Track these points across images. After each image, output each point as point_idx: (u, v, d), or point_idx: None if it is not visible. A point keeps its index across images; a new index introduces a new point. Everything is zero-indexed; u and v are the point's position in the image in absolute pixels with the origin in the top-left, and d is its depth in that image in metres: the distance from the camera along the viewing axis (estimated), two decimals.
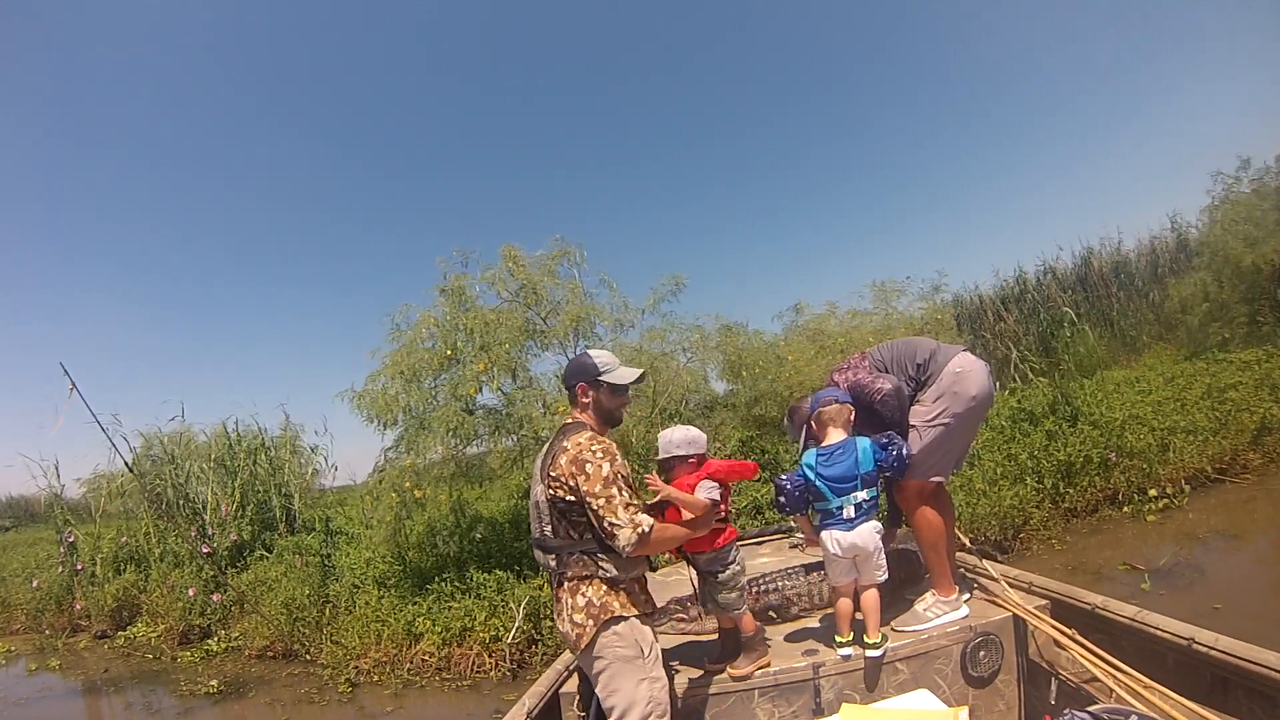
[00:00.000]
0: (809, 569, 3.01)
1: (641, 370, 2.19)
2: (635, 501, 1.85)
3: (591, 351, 2.10)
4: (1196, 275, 9.69)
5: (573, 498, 1.87)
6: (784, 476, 2.59)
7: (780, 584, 2.97)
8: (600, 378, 2.05)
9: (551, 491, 1.90)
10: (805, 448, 2.79)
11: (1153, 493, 5.61)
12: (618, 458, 1.89)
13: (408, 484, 5.61)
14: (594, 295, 6.67)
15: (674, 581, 3.58)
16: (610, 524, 1.79)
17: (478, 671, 4.93)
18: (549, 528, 1.95)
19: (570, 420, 2.07)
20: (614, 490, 1.81)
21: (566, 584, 1.94)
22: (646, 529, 1.80)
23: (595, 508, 1.81)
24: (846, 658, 2.36)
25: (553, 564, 1.97)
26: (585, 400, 2.05)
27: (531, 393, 5.98)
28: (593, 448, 1.86)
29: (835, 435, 2.53)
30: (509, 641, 4.88)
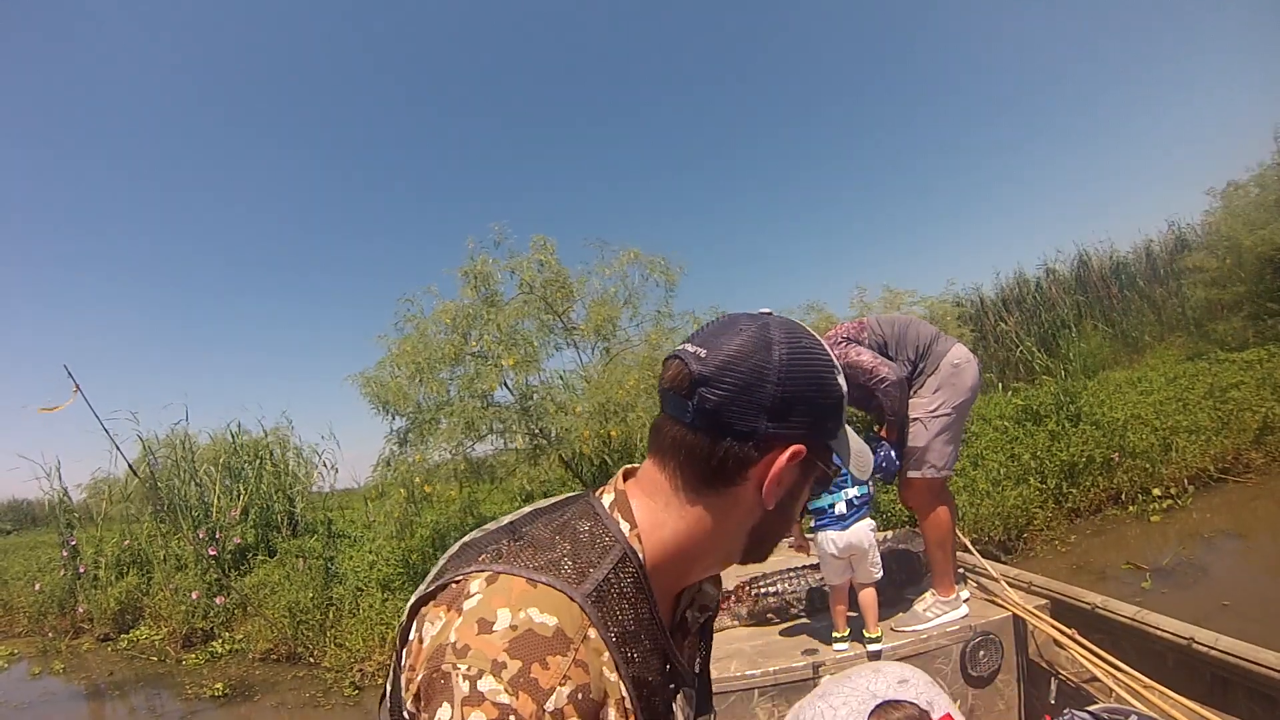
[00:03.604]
0: (808, 570, 3.01)
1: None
2: None
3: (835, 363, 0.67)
4: (1199, 257, 9.68)
5: None
6: None
7: (780, 585, 2.98)
8: (835, 442, 0.68)
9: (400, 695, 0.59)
10: None
11: (1156, 492, 5.60)
12: None
13: (417, 479, 5.60)
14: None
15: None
16: None
17: None
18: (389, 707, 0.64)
19: (608, 500, 0.68)
20: None
21: None
22: None
23: None
24: (843, 652, 2.38)
25: None
26: (759, 486, 0.64)
27: (544, 389, 5.96)
28: (489, 689, 0.51)
29: None
30: None
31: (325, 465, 9.90)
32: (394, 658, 0.63)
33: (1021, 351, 10.46)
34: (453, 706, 0.52)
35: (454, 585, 0.59)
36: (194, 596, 6.82)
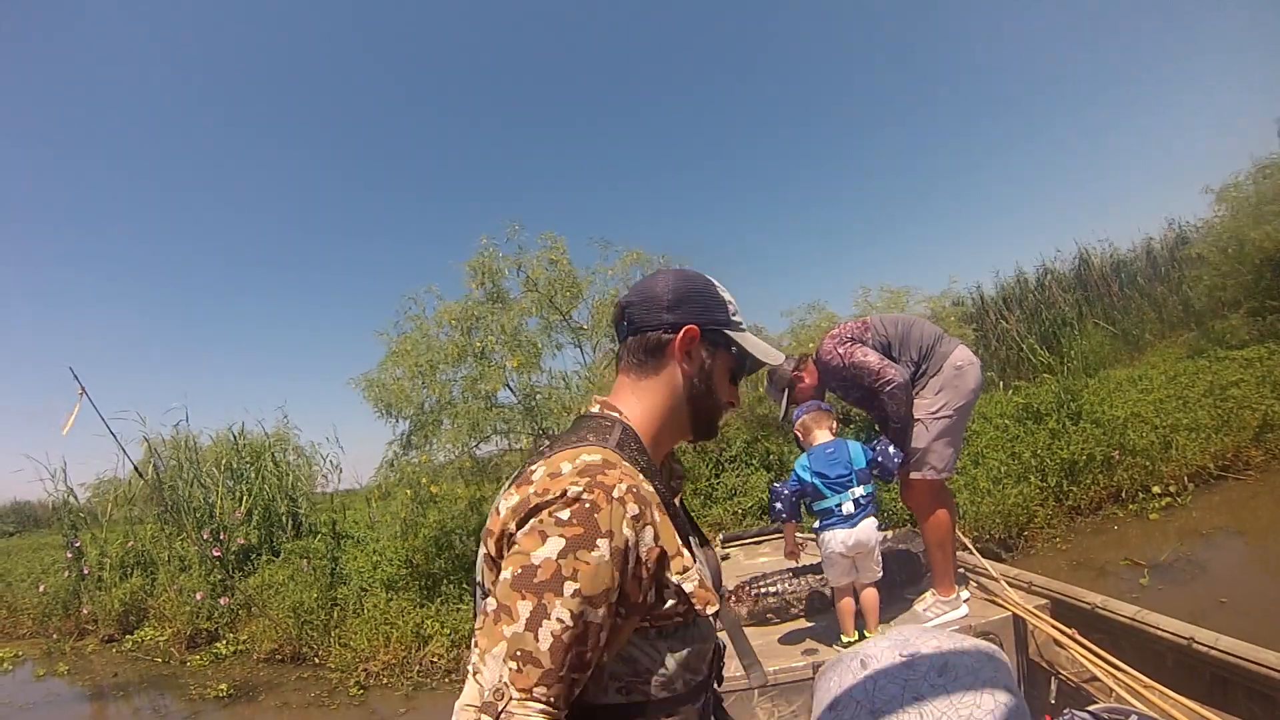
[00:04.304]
0: (808, 570, 3.03)
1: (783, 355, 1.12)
2: (545, 669, 0.68)
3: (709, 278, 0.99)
4: (1202, 247, 9.69)
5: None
6: (778, 484, 2.62)
7: (780, 585, 2.99)
8: (730, 330, 0.96)
9: (484, 566, 0.82)
10: (787, 410, 2.81)
11: (1156, 490, 5.62)
12: (601, 547, 0.71)
13: (424, 479, 5.60)
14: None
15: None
16: (471, 667, 0.71)
17: None
18: None
19: (595, 409, 0.93)
20: (524, 608, 0.69)
21: None
22: None
23: (477, 625, 0.74)
24: None
25: None
26: (678, 362, 0.93)
27: (548, 390, 5.97)
28: (575, 490, 0.73)
29: (823, 436, 2.56)
30: None
31: (331, 466, 9.92)
32: (475, 592, 0.85)
33: (1024, 350, 10.47)
34: (539, 519, 0.72)
35: (514, 484, 0.79)
36: (198, 597, 6.85)
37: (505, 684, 0.67)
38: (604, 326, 6.19)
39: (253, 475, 8.69)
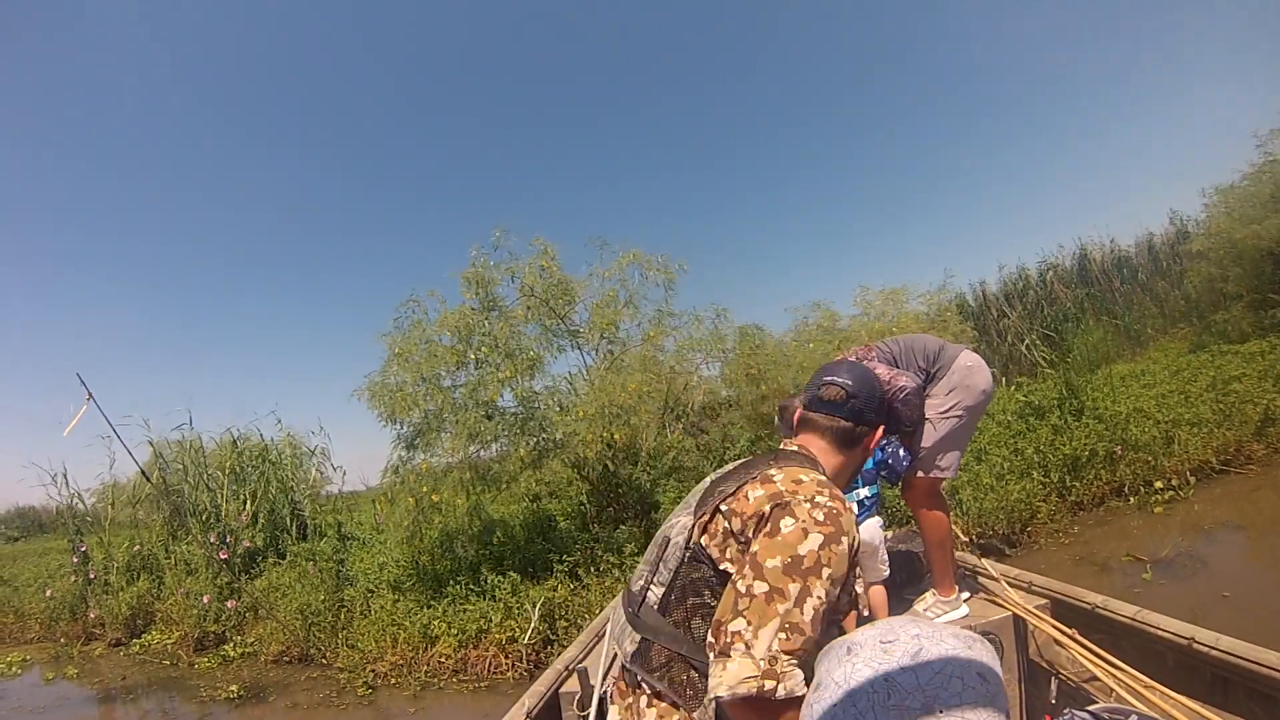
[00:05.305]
0: None
1: None
2: (806, 635, 0.93)
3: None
4: (1202, 242, 9.72)
5: (728, 564, 1.04)
6: None
7: None
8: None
9: (704, 534, 1.08)
10: None
11: (1158, 485, 5.64)
12: (844, 542, 0.98)
13: (425, 489, 5.62)
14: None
15: None
16: (733, 637, 0.92)
17: (494, 672, 4.99)
18: (659, 588, 1.11)
19: (795, 447, 1.26)
20: (794, 589, 0.93)
21: (642, 694, 1.12)
22: (783, 693, 0.89)
23: (737, 594, 0.96)
24: None
25: (629, 648, 1.13)
26: (864, 449, 1.30)
27: (547, 395, 5.99)
28: (823, 500, 1.01)
29: None
30: (525, 642, 4.95)
31: (334, 469, 9.93)
32: (657, 558, 1.15)
33: (1026, 346, 10.46)
34: (795, 517, 0.99)
35: (753, 480, 1.09)
36: (205, 600, 6.88)
37: (777, 651, 0.90)
38: (602, 329, 6.20)
39: (256, 478, 8.71)
